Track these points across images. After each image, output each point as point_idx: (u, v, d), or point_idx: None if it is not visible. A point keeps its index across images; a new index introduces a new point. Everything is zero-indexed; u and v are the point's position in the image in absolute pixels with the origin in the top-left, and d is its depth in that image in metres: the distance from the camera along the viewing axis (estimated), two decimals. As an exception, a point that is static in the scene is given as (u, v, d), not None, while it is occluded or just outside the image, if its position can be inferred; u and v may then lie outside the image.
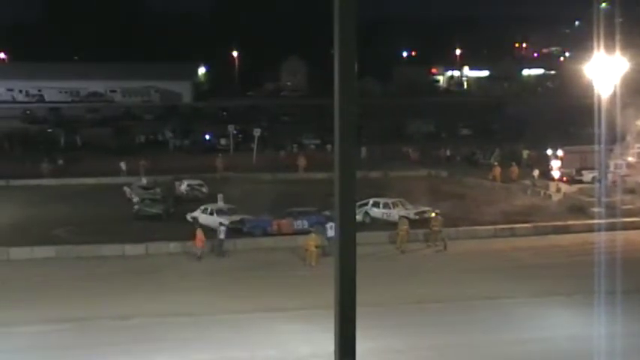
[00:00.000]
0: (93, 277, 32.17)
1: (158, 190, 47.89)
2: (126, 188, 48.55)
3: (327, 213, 37.77)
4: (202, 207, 42.14)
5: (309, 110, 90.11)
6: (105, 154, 65.63)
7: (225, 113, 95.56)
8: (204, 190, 49.35)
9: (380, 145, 64.78)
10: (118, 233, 39.12)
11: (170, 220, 42.32)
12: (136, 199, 45.57)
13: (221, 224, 37.40)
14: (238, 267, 33.98)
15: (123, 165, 57.62)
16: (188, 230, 39.62)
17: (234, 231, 38.40)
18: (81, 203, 47.47)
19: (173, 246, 36.73)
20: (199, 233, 35.71)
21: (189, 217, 41.95)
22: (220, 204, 43.40)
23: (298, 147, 69.91)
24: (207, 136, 74.07)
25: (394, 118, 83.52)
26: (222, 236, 36.08)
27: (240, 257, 35.50)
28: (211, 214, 40.95)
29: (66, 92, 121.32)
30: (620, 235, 35.83)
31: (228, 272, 33.14)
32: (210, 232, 36.93)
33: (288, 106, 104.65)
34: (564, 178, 49.92)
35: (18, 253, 35.69)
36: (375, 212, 41.88)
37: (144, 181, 51.02)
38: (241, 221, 39.64)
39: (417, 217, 40.11)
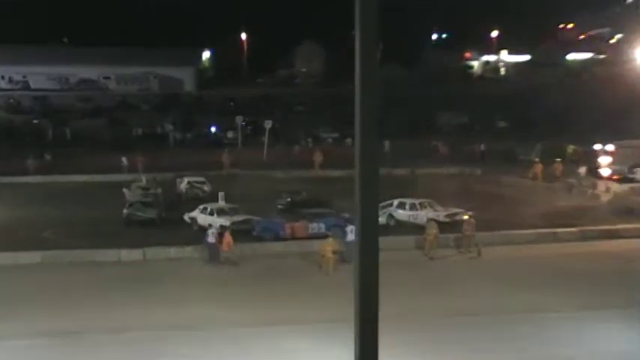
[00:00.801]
0: (86, 286, 32.35)
1: (159, 190, 47.94)
2: (125, 190, 48.56)
3: (346, 215, 37.82)
4: (201, 206, 42.30)
5: (326, 100, 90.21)
6: (98, 148, 65.98)
7: (232, 103, 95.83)
8: (206, 188, 49.55)
9: (406, 139, 64.74)
10: (113, 237, 39.30)
11: (167, 223, 42.39)
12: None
13: (210, 226, 37.45)
14: (246, 275, 34.05)
15: (125, 160, 57.91)
16: (187, 233, 39.78)
17: (241, 234, 38.50)
18: (71, 204, 47.72)
19: (174, 251, 36.87)
20: (227, 236, 35.84)
21: (186, 217, 42.13)
22: (221, 203, 43.52)
23: (314, 141, 70.03)
24: (213, 129, 74.34)
25: (422, 108, 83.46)
26: (210, 239, 36.07)
27: (248, 264, 35.55)
28: (211, 214, 41.08)
29: (54, 79, 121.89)
30: (678, 241, 35.68)
31: (235, 280, 33.23)
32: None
33: (303, 95, 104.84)
34: (614, 177, 49.68)
35: (1, 258, 35.89)
36: (401, 214, 41.91)
37: (144, 180, 51.06)
38: (245, 222, 39.73)
39: (447, 219, 40.07)
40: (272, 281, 32.97)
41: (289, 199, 44.97)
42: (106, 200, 47.82)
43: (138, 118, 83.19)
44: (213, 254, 35.85)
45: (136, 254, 36.67)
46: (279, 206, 44.38)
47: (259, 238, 38.91)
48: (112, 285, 32.57)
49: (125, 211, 43.42)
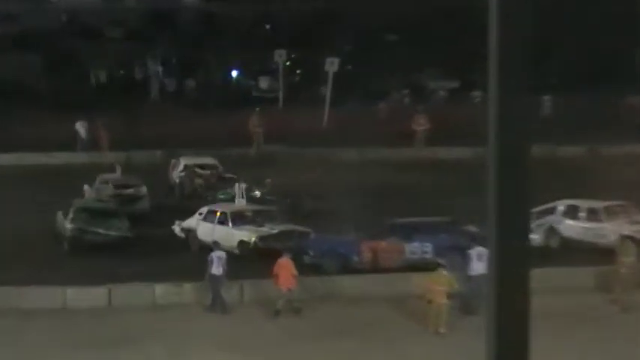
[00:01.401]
0: (9, 350, 32.67)
1: (144, 189, 47.91)
2: (87, 187, 48.75)
3: (471, 228, 37.82)
4: (204, 209, 42.40)
5: (436, 22, 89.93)
6: (30, 105, 66.54)
7: (268, 26, 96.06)
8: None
9: (578, 93, 64.48)
10: (56, 265, 39.68)
11: (150, 241, 42.58)
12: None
13: (215, 244, 37.54)
14: (293, 332, 34.13)
15: (80, 127, 58.45)
16: (184, 258, 39.94)
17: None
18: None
19: (161, 291, 37.12)
20: (286, 264, 35.63)
21: (177, 228, 42.35)
22: (241, 202, 43.71)
23: (415, 95, 69.99)
24: (234, 73, 74.71)
25: (605, 41, 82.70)
26: (216, 270, 36.03)
27: (296, 315, 35.64)
28: (221, 222, 41.14)
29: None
30: None
31: (269, 343, 33.27)
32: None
33: (394, 13, 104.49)
34: None
35: None
36: (571, 227, 41.83)
37: (117, 170, 51.10)
38: (286, 236, 39.65)
39: (656, 239, 39.93)
40: (341, 345, 32.96)
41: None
42: (46, 200, 48.16)
43: (101, 53, 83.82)
44: (219, 295, 35.96)
45: (95, 297, 36.96)
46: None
47: (316, 268, 39.03)
48: (54, 349, 32.87)
49: (69, 226, 43.04)
